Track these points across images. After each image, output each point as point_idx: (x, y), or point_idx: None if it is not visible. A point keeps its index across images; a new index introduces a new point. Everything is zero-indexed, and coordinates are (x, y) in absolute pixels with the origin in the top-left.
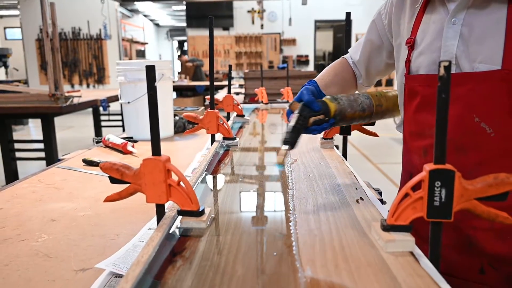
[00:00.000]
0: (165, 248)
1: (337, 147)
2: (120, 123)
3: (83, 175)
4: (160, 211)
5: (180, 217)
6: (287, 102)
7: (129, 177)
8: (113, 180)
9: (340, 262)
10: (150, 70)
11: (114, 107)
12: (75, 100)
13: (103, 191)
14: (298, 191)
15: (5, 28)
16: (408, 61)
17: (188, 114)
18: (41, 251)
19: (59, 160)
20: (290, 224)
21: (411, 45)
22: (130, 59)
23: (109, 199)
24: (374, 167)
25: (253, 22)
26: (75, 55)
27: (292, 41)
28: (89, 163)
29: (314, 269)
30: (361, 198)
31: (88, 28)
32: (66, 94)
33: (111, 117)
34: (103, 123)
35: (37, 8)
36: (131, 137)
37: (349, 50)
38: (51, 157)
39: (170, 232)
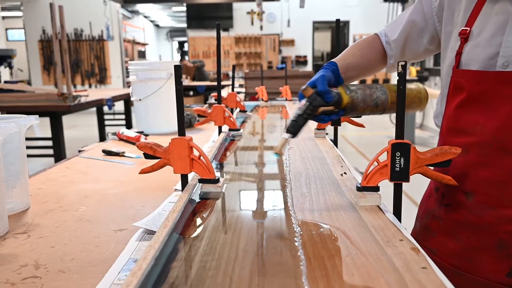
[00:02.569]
0: (191, 206)
1: (332, 140)
2: (123, 122)
3: (104, 163)
4: (185, 180)
5: (200, 184)
6: (286, 100)
7: (160, 153)
8: (147, 156)
9: (323, 211)
10: (178, 69)
11: (117, 106)
12: (82, 99)
13: (124, 175)
14: (293, 168)
15: (6, 29)
16: (459, 53)
17: (198, 109)
18: (83, 218)
19: (80, 151)
20: (286, 189)
21: (465, 36)
22: (131, 60)
23: (143, 171)
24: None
25: (252, 23)
26: (78, 56)
27: (291, 42)
28: (108, 153)
29: (303, 215)
30: (344, 173)
31: (90, 29)
32: (74, 94)
33: (115, 116)
34: (106, 122)
35: (40, 9)
36: (142, 132)
37: (385, 26)
38: (59, 154)
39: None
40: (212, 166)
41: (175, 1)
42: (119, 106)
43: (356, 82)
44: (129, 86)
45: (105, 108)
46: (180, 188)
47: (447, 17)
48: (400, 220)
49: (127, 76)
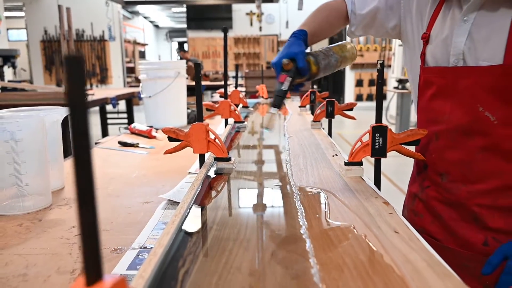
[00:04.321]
0: (208, 180)
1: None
2: (125, 121)
3: (121, 152)
4: (202, 158)
5: (215, 162)
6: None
7: (182, 136)
8: (170, 139)
9: (317, 181)
10: (197, 67)
11: (119, 105)
12: (88, 98)
13: (141, 162)
14: (292, 152)
15: (7, 29)
16: (423, 54)
17: (206, 103)
18: (113, 194)
19: (96, 143)
20: (286, 166)
21: (426, 39)
22: (131, 60)
23: (168, 152)
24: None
25: (251, 24)
26: None
27: None
28: (123, 144)
29: (301, 183)
30: (336, 155)
31: (92, 30)
32: None
33: (119, 115)
34: (109, 121)
35: (42, 10)
36: (151, 126)
37: None
38: (65, 150)
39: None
40: (225, 147)
41: (175, 2)
42: (121, 105)
43: None
44: (130, 86)
45: (107, 107)
46: (194, 172)
47: (417, 21)
48: (379, 189)
49: (128, 76)
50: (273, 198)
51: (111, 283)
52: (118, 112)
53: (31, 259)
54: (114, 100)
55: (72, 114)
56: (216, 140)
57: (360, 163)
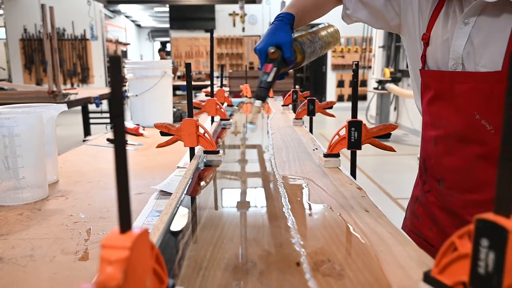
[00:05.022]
0: (198, 172)
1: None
2: (108, 120)
3: (111, 149)
4: (192, 151)
5: (205, 155)
6: (268, 96)
7: (173, 131)
8: (162, 133)
9: (298, 170)
10: (188, 66)
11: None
12: (72, 97)
13: (131, 158)
14: (276, 146)
15: None
16: (423, 56)
17: (194, 101)
18: (106, 187)
19: (84, 141)
20: (270, 159)
21: (426, 41)
22: None
23: (160, 145)
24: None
25: (234, 25)
26: (60, 55)
27: None
28: (112, 141)
29: (284, 172)
30: (316, 148)
31: (73, 29)
32: (63, 92)
33: (99, 115)
34: (91, 120)
35: (21, 8)
36: (138, 124)
37: None
38: None
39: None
40: (214, 141)
41: (158, 2)
42: (103, 104)
43: None
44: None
45: (90, 107)
46: (182, 166)
47: (418, 18)
48: (354, 178)
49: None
50: (259, 185)
51: (138, 231)
52: (101, 112)
53: (35, 242)
54: (97, 100)
55: (112, 100)
56: (206, 134)
57: (337, 155)
